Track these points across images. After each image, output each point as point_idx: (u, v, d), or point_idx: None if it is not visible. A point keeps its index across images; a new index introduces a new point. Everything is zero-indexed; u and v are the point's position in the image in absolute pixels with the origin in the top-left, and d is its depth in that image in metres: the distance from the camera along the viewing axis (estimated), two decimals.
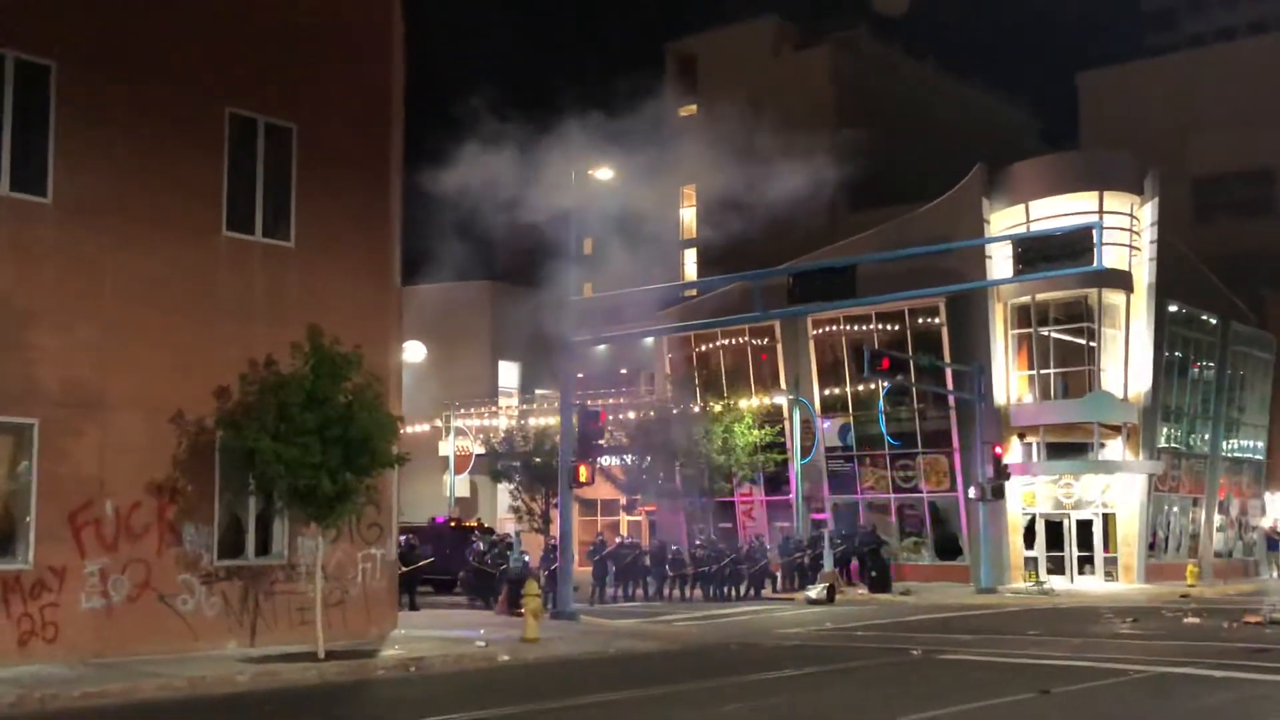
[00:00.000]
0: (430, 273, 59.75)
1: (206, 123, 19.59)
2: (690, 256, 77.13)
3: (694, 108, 72.89)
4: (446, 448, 51.64)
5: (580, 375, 47.01)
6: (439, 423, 52.90)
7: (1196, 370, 45.86)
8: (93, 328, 18.18)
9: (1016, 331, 42.74)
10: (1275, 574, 45.66)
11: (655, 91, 70.45)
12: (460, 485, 52.39)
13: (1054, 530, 42.18)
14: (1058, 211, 40.79)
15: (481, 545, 33.36)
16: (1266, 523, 50.12)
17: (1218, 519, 47.23)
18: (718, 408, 43.98)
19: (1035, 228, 39.76)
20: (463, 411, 53.18)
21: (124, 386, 18.32)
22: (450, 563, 34.48)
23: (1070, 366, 42.46)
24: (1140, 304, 42.42)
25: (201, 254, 19.42)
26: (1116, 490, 41.95)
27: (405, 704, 15.12)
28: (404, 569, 27.36)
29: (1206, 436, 46.68)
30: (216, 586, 19.11)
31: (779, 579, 38.31)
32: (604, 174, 31.05)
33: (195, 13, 19.67)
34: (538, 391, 56.42)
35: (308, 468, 17.57)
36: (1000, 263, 40.68)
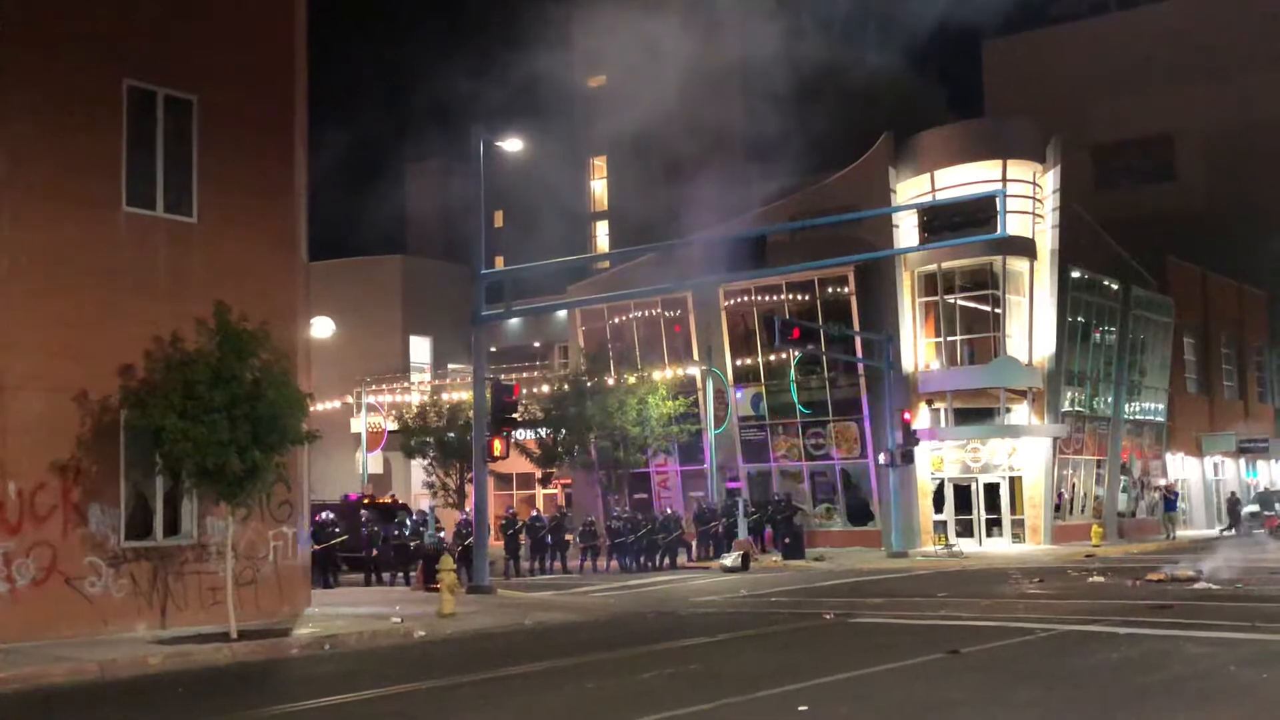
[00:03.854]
0: (339, 247, 58.86)
1: (104, 95, 19.12)
2: (602, 229, 77.00)
3: (603, 78, 72.61)
4: (358, 424, 51.19)
5: (494, 349, 46.82)
6: (350, 399, 52.39)
7: (1099, 335, 46.70)
8: None
9: (923, 299, 43.29)
10: (1172, 533, 46.67)
11: (564, 62, 70.23)
12: (374, 462, 51.99)
13: (962, 494, 42.87)
14: (962, 180, 41.32)
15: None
16: (1164, 483, 51.28)
17: (1121, 480, 48.27)
18: (632, 379, 44.06)
19: (940, 196, 40.24)
20: (374, 388, 52.71)
21: (24, 365, 17.89)
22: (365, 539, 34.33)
23: (976, 333, 43.15)
24: (1043, 270, 43.12)
25: (101, 230, 18.99)
26: (1022, 454, 42.72)
27: (320, 681, 15.01)
28: (317, 546, 27.17)
29: (1109, 400, 47.62)
30: (125, 568, 18.80)
31: (694, 548, 38.56)
32: (513, 145, 30.80)
33: None
34: (451, 366, 56.08)
35: (215, 446, 17.28)
36: (907, 232, 41.18)
